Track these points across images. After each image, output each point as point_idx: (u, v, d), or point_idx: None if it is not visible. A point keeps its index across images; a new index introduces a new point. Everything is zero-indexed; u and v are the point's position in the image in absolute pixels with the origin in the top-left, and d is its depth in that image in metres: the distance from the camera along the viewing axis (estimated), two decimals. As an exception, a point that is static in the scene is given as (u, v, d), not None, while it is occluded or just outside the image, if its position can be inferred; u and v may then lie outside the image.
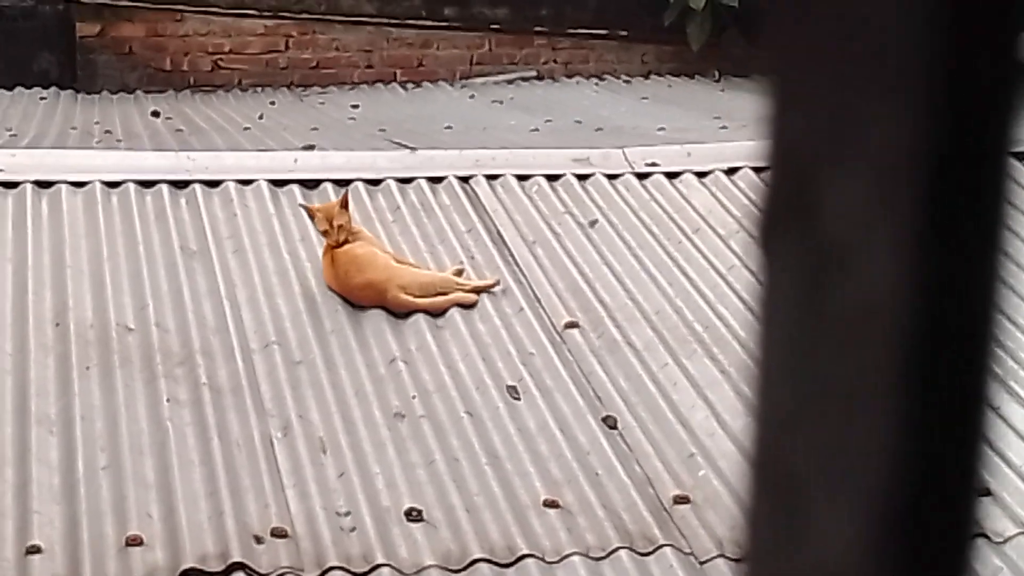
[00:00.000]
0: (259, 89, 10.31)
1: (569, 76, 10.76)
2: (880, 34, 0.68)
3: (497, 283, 5.59)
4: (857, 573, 0.71)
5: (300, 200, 5.99)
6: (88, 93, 9.92)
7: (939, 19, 0.67)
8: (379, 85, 10.52)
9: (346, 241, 5.44)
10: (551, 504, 4.46)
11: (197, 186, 6.08)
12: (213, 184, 6.11)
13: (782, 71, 0.73)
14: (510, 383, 5.03)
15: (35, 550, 4.11)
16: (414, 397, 4.92)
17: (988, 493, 4.36)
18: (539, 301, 5.53)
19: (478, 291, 5.51)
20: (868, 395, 0.70)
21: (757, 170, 6.45)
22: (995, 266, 0.71)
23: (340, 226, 5.42)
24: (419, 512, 4.37)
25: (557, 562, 4.24)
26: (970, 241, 0.69)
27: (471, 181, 6.34)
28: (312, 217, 5.54)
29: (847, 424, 0.71)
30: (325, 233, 5.44)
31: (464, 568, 4.19)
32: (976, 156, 0.69)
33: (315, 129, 8.10)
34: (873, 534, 0.71)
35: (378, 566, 4.16)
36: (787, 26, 0.72)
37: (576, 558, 4.24)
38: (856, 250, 0.69)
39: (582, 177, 6.43)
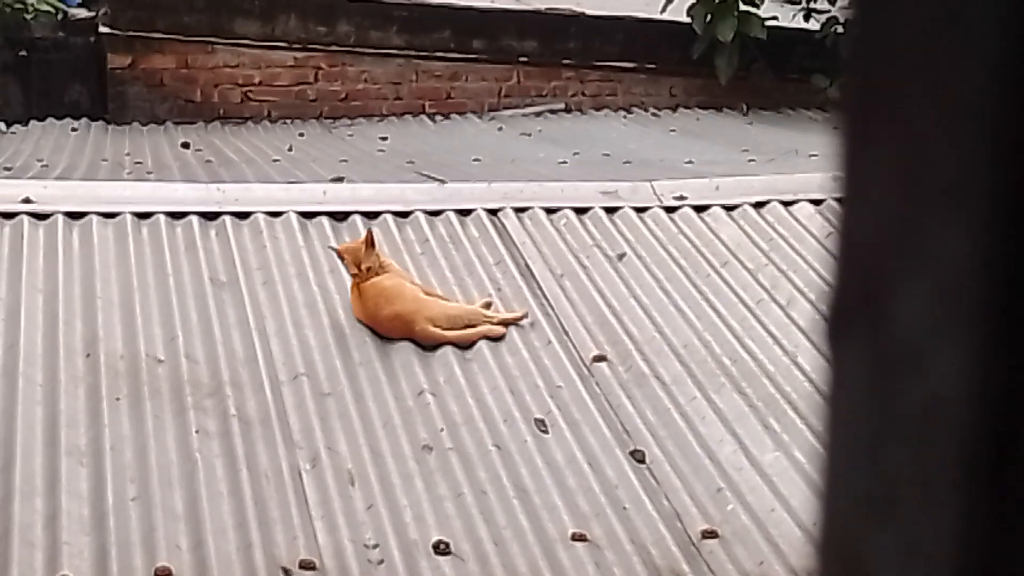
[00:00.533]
0: (288, 121, 10.36)
1: (597, 109, 10.78)
2: (948, 151, 0.68)
3: (525, 316, 5.60)
4: None
5: (329, 232, 6.01)
6: (119, 124, 9.98)
7: (1004, 139, 0.68)
8: (408, 117, 10.55)
9: (375, 273, 5.46)
10: (579, 538, 4.45)
11: (227, 218, 6.11)
12: (243, 216, 6.14)
13: (851, 170, 0.73)
14: (538, 416, 5.03)
15: (64, 581, 4.12)
16: (442, 430, 4.93)
17: None
18: (567, 334, 5.53)
19: (506, 324, 5.52)
20: (936, 494, 0.70)
21: (785, 204, 6.46)
22: None
23: (368, 268, 5.44)
24: (447, 545, 4.37)
25: (585, 596, 4.23)
26: None
27: (499, 214, 6.35)
28: (342, 259, 5.56)
29: (915, 522, 0.71)
30: (355, 275, 5.47)
31: (492, 601, 4.19)
32: None
33: (344, 161, 8.13)
34: None
35: (406, 599, 4.15)
36: (857, 128, 0.73)
37: (604, 592, 4.23)
38: (924, 352, 0.70)
39: (610, 210, 6.44)
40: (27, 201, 6.05)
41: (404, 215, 6.28)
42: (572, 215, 6.37)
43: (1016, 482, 0.70)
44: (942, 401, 0.70)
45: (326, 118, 10.46)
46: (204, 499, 4.47)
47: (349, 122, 10.35)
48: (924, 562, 0.71)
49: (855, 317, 0.73)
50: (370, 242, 5.50)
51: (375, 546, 4.35)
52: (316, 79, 10.59)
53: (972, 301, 0.69)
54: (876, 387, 0.72)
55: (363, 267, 5.44)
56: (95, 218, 5.99)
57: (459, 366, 5.27)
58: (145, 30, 10.31)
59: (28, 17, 10.28)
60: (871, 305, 0.72)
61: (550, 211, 6.39)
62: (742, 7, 10.38)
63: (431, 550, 4.35)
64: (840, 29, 10.01)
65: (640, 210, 6.45)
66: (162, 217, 6.07)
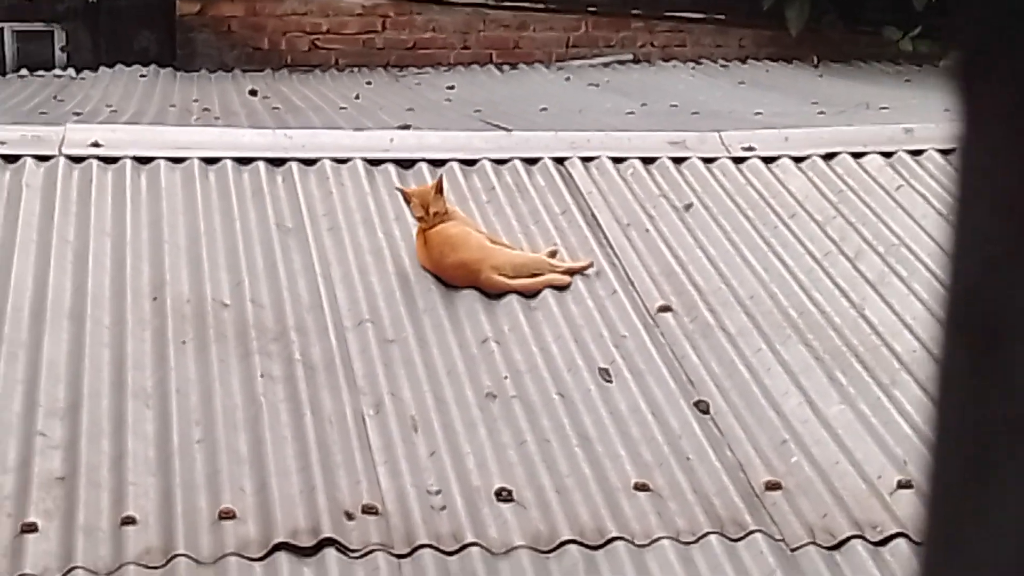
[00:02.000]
0: (356, 69, 10.36)
1: (666, 60, 10.71)
2: None
3: (591, 265, 5.58)
4: None
5: (395, 179, 6.01)
6: (187, 71, 10.01)
7: None
8: (475, 66, 10.52)
9: (440, 221, 5.45)
10: (642, 487, 4.44)
11: (294, 164, 6.12)
12: (309, 162, 6.14)
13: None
14: (602, 365, 5.01)
15: (130, 521, 4.15)
16: (506, 378, 4.92)
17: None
18: (632, 284, 5.51)
19: (571, 273, 5.50)
20: None
21: (855, 156, 6.40)
22: None
23: (435, 213, 5.42)
24: (509, 492, 4.37)
25: (647, 545, 4.22)
26: None
27: (566, 163, 6.32)
28: (408, 201, 5.54)
29: None
30: (420, 219, 5.45)
31: (553, 549, 4.19)
32: None
33: (411, 110, 8.12)
34: None
35: (467, 545, 4.16)
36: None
37: (666, 542, 4.22)
38: None
39: (678, 160, 6.40)
40: (96, 145, 6.08)
41: (470, 163, 6.27)
42: (639, 165, 6.33)
43: None
44: None
45: (393, 67, 10.45)
46: (268, 442, 4.49)
47: (416, 71, 10.34)
48: None
49: (992, 62, 0.71)
50: (439, 188, 5.49)
51: (437, 492, 4.36)
52: (384, 28, 10.58)
53: None
54: (1017, 118, 0.70)
55: (431, 211, 5.42)
56: (163, 163, 6.02)
57: (524, 314, 5.26)
58: (214, -23, 10.32)
59: (98, -37, 10.32)
60: (1008, 47, 0.70)
61: (617, 160, 6.36)
62: (814, -42, 10.26)
63: (493, 497, 4.35)
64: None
65: (708, 160, 6.41)
66: (229, 162, 6.09)
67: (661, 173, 6.30)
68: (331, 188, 5.98)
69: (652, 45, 10.84)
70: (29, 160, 5.92)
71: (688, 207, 6.05)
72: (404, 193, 5.61)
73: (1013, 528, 0.69)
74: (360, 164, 6.15)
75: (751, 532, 4.27)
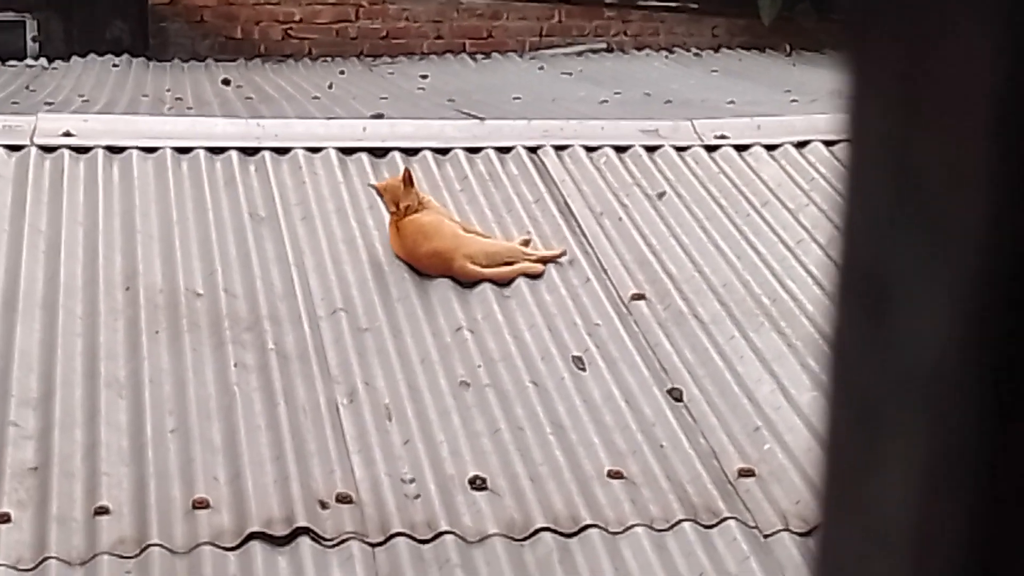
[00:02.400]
0: (329, 59, 10.35)
1: (639, 49, 10.72)
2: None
3: (564, 253, 5.58)
4: (950, 368, 0.70)
5: (368, 168, 6.01)
6: (160, 61, 9.98)
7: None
8: (448, 56, 10.52)
9: (413, 211, 5.45)
10: (615, 475, 4.45)
11: (266, 153, 6.11)
12: (282, 151, 6.13)
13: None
14: (576, 353, 5.02)
15: (103, 511, 4.15)
16: (479, 366, 4.93)
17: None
18: (606, 272, 5.52)
19: (545, 261, 5.51)
20: (963, 181, 0.69)
21: (827, 144, 6.42)
22: None
23: (407, 207, 5.42)
24: (483, 480, 4.38)
25: (621, 533, 4.23)
26: None
27: (539, 151, 6.33)
28: (381, 196, 5.54)
29: (941, 217, 0.70)
30: (393, 214, 5.45)
31: (527, 537, 4.20)
32: None
33: (384, 99, 8.11)
34: (965, 330, 0.69)
35: (442, 533, 4.17)
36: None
37: (640, 529, 4.24)
38: (951, 29, 0.69)
39: (650, 149, 6.41)
40: (68, 135, 6.06)
41: (443, 152, 6.26)
42: (612, 153, 6.34)
43: None
44: (970, 76, 0.68)
45: (366, 56, 10.44)
46: (242, 432, 4.49)
47: (390, 60, 10.33)
48: (944, 268, 0.69)
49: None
50: (408, 180, 5.48)
51: (411, 480, 4.37)
52: (357, 17, 10.57)
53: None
54: (903, 70, 0.71)
55: (401, 205, 5.42)
56: (135, 152, 6.00)
57: (497, 303, 5.27)
58: (186, -34, 10.29)
59: (70, -47, 10.28)
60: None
61: (590, 149, 6.36)
62: (786, -54, 10.28)
63: (467, 485, 4.36)
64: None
65: (680, 149, 6.42)
66: (202, 152, 6.08)
67: (634, 161, 6.31)
68: (304, 177, 5.97)
69: (625, 34, 10.85)
70: (0, 150, 5.90)
71: (661, 195, 6.06)
72: (375, 189, 5.60)
73: (899, 479, 0.71)
74: (333, 153, 6.14)
75: (724, 519, 4.28)
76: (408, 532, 4.16)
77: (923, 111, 0.70)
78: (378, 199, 5.61)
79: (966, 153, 0.69)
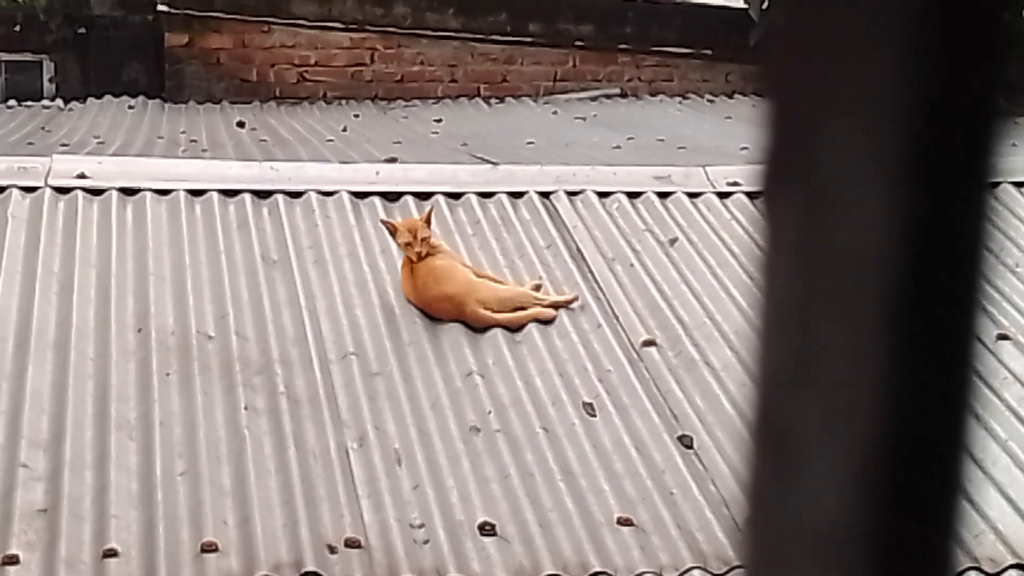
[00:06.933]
0: (343, 102, 10.39)
1: (653, 94, 10.75)
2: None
3: (575, 299, 5.58)
4: (848, 521, 0.73)
5: (381, 212, 6.02)
6: (175, 103, 10.04)
7: None
8: (463, 100, 10.55)
9: (427, 255, 5.45)
10: (625, 522, 4.44)
11: (279, 196, 6.12)
12: (295, 195, 6.15)
13: (783, 49, 0.76)
14: (586, 400, 5.02)
15: (112, 554, 4.14)
16: (490, 412, 4.92)
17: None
18: (617, 318, 5.52)
19: (556, 307, 5.51)
20: (858, 347, 0.72)
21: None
22: (983, 215, 0.72)
23: (424, 239, 5.42)
24: (493, 526, 4.37)
25: (629, 580, 4.22)
26: (957, 188, 0.71)
27: (552, 197, 6.34)
28: (393, 233, 5.54)
29: (838, 378, 0.73)
30: (408, 245, 5.44)
31: (536, 584, 4.18)
32: (963, 105, 0.71)
33: (398, 143, 8.14)
34: (862, 486, 0.73)
35: (450, 579, 4.16)
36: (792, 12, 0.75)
37: (649, 577, 4.22)
38: (847, 198, 0.72)
39: (663, 195, 6.41)
40: (82, 176, 6.08)
41: (456, 196, 6.28)
42: (624, 199, 6.35)
43: (933, 335, 0.72)
44: (863, 246, 0.72)
45: (381, 99, 10.48)
46: (252, 475, 4.49)
47: (404, 104, 10.37)
48: (845, 420, 0.73)
49: (785, 169, 0.75)
50: (428, 218, 5.51)
51: (420, 526, 4.36)
52: (372, 60, 10.61)
53: (892, 144, 0.71)
54: (804, 236, 0.74)
55: (419, 236, 5.41)
56: (149, 194, 6.02)
57: (508, 348, 5.27)
58: (203, 9, 10.35)
59: (87, -5, 10.35)
60: (798, 155, 0.74)
61: (602, 195, 6.37)
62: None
63: (476, 531, 4.35)
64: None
65: (693, 195, 6.42)
66: (215, 194, 6.09)
67: (646, 207, 6.31)
68: (317, 220, 5.98)
69: (639, 80, 10.88)
70: (15, 191, 5.92)
71: (673, 242, 6.07)
72: (389, 225, 5.60)
73: None
74: (346, 196, 6.16)
75: (734, 568, 4.27)
76: (416, 578, 4.15)
77: (820, 275, 0.74)
78: (390, 238, 5.61)
79: (861, 318, 0.72)
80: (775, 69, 0.75)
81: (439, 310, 5.40)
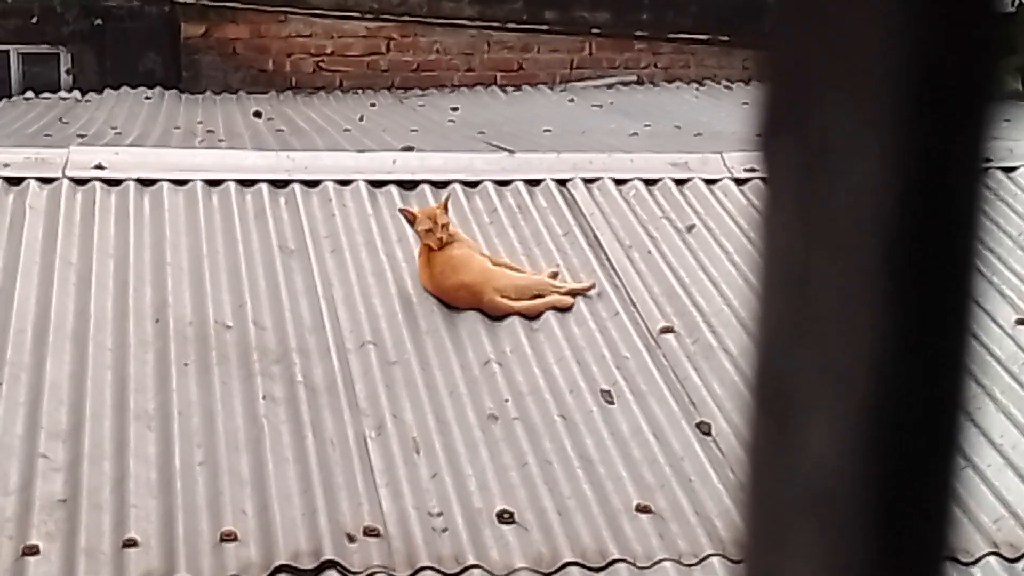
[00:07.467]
0: (360, 91, 10.38)
1: (669, 81, 10.73)
2: None
3: (593, 286, 5.58)
4: (846, 481, 0.74)
5: (398, 201, 6.02)
6: (192, 93, 10.04)
7: None
8: (479, 88, 10.54)
9: (449, 238, 5.45)
10: (643, 509, 4.44)
11: (296, 186, 6.12)
12: (312, 184, 6.15)
13: (783, 21, 0.77)
14: (604, 387, 5.02)
15: (131, 543, 4.15)
16: (507, 400, 4.92)
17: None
18: (635, 305, 5.51)
19: (574, 294, 5.51)
20: (856, 306, 0.73)
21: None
22: (977, 179, 0.73)
23: (444, 225, 5.42)
24: (511, 514, 4.37)
25: (648, 567, 4.22)
26: (954, 146, 0.72)
27: (568, 184, 6.33)
28: (411, 221, 5.54)
29: (834, 342, 0.74)
30: (428, 232, 5.43)
31: (555, 571, 4.18)
32: (957, 69, 0.71)
33: (414, 131, 8.13)
34: (859, 444, 0.74)
35: (469, 567, 4.16)
36: None
37: (668, 563, 4.22)
38: (845, 156, 0.72)
39: (680, 182, 6.40)
40: (99, 167, 6.09)
41: (473, 184, 6.27)
42: (641, 186, 6.34)
43: (930, 289, 0.73)
44: (859, 201, 0.72)
45: (397, 88, 10.47)
46: (270, 465, 4.49)
47: (420, 92, 10.36)
48: (843, 377, 0.74)
49: (783, 126, 0.75)
50: (445, 206, 5.51)
51: (439, 514, 4.36)
52: (388, 49, 10.60)
53: (887, 103, 0.71)
54: (802, 194, 0.74)
55: (438, 222, 5.41)
56: (166, 185, 6.03)
57: (526, 336, 5.27)
58: (219, 0, 10.35)
59: (103, -14, 10.36)
60: (796, 113, 0.74)
61: (619, 182, 6.36)
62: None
63: (495, 519, 4.35)
64: None
65: (710, 182, 6.41)
66: (232, 185, 6.10)
67: (663, 194, 6.30)
68: (333, 210, 5.98)
69: (656, 66, 10.85)
70: (33, 182, 5.94)
71: (690, 228, 6.06)
72: (406, 213, 5.59)
73: None
74: (363, 185, 6.16)
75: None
76: (435, 566, 4.15)
77: (818, 234, 0.74)
78: (407, 227, 5.61)
79: (858, 277, 0.73)
80: (774, 28, 0.75)
81: (456, 298, 5.40)
